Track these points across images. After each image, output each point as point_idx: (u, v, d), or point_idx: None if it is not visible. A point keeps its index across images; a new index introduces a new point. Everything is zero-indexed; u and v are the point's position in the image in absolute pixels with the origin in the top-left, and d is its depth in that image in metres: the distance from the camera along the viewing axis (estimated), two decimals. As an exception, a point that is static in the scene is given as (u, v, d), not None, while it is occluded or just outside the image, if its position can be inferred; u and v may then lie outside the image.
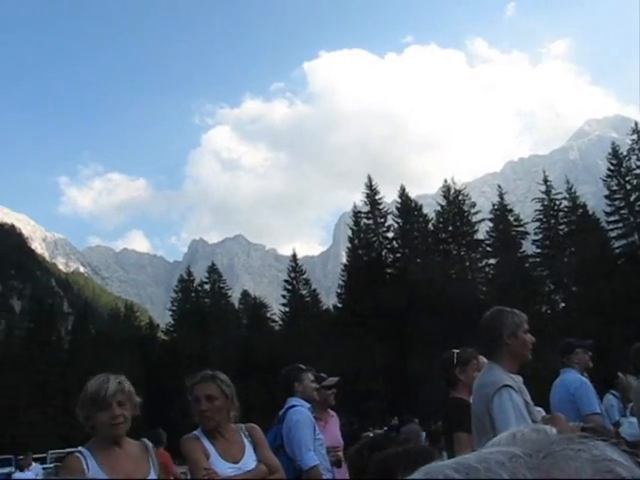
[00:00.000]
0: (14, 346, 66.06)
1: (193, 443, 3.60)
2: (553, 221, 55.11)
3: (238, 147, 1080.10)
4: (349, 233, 62.45)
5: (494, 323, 3.71)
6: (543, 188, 56.09)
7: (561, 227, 55.06)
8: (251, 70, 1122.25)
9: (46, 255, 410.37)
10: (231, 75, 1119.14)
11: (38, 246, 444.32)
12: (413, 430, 15.32)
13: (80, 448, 3.06)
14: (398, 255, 59.42)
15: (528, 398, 3.64)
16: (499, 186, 61.17)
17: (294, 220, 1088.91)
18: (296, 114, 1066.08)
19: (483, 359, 4.30)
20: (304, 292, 62.58)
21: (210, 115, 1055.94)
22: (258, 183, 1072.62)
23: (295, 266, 63.12)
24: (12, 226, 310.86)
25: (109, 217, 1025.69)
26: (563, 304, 53.71)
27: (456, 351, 4.70)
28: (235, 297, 72.52)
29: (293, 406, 5.04)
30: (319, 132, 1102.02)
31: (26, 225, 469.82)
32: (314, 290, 64.19)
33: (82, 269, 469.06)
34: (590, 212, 55.61)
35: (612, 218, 53.51)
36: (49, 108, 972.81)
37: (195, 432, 3.68)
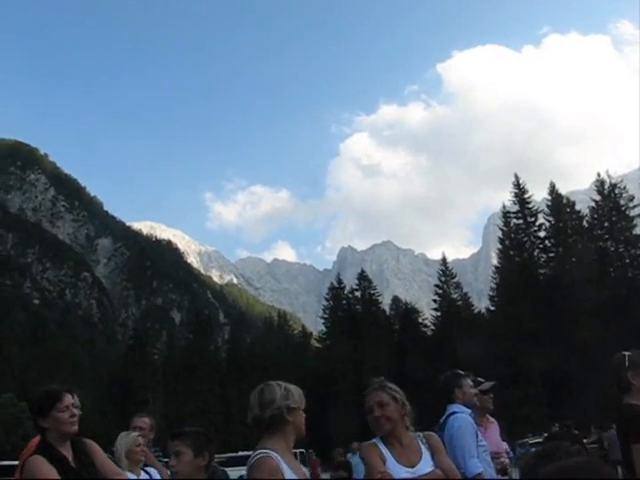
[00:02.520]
0: (176, 356, 70.90)
1: (371, 448, 3.79)
2: None
3: (377, 153, 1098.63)
4: (499, 234, 62.95)
5: None
6: None
7: None
8: (383, 76, 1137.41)
9: (201, 268, 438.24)
10: (364, 82, 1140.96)
11: (193, 260, 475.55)
12: (613, 438, 13.83)
13: (266, 450, 3.09)
14: (551, 255, 59.27)
15: None
16: None
17: (440, 223, 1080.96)
18: (433, 116, 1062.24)
19: None
20: (455, 296, 63.87)
21: (347, 124, 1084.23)
22: (400, 187, 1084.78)
23: (445, 270, 64.59)
24: (169, 242, 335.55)
25: (255, 229, 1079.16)
26: None
27: (627, 353, 4.38)
28: (386, 303, 74.19)
29: (454, 412, 5.04)
30: (459, 132, 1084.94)
31: (181, 240, 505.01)
32: (465, 293, 65.35)
33: (235, 280, 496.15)
34: None
35: None
36: (191, 129, 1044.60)
37: (374, 439, 3.86)
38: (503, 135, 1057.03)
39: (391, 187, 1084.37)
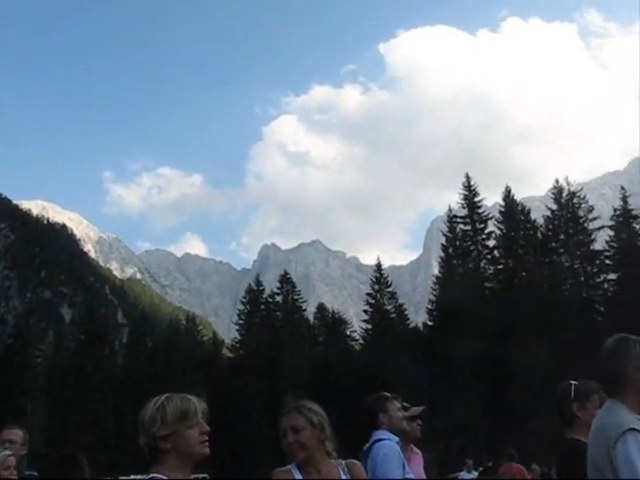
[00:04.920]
0: (63, 359, 69.07)
1: (283, 476, 3.76)
2: None
3: (306, 139, 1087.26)
4: (442, 240, 63.69)
5: (618, 353, 3.57)
6: None
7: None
8: (317, 52, 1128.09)
9: (100, 259, 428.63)
10: (295, 58, 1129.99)
11: (91, 249, 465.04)
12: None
13: (154, 476, 2.97)
14: (500, 267, 60.05)
15: None
16: (622, 187, 60.75)
17: (377, 223, 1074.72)
18: (372, 101, 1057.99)
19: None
20: (389, 307, 63.89)
21: (273, 104, 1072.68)
22: (332, 180, 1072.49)
23: (379, 277, 64.65)
24: (63, 226, 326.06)
25: (160, 218, 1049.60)
26: None
27: (574, 383, 4.59)
28: (310, 311, 74.26)
29: (380, 439, 5.12)
30: (401, 121, 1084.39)
31: (78, 225, 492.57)
32: (401, 305, 65.32)
33: (139, 275, 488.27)
34: None
35: None
36: (91, 96, 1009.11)
37: (289, 465, 3.81)
38: (451, 128, 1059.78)
39: (321, 179, 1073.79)
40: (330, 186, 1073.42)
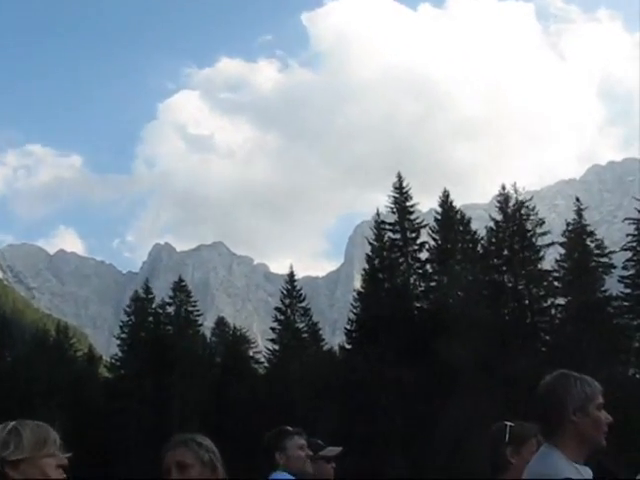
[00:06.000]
0: None
1: None
2: None
3: (210, 121, 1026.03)
4: (367, 250, 62.59)
5: (557, 392, 3.62)
6: None
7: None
8: (228, 18, 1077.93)
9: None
10: (199, 24, 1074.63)
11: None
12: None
13: None
14: (432, 284, 59.10)
15: None
16: (577, 199, 59.40)
17: (291, 225, 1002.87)
18: (292, 81, 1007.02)
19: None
20: (301, 325, 62.93)
21: (171, 77, 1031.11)
22: (239, 172, 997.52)
23: (291, 289, 63.58)
24: None
25: (27, 205, 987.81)
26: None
27: (509, 424, 4.63)
28: (208, 326, 73.22)
29: None
30: (324, 106, 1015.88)
31: None
32: (315, 324, 64.46)
33: (0, 274, 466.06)
34: None
35: None
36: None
37: None
38: (383, 117, 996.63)
39: (226, 169, 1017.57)
40: (237, 178, 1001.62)
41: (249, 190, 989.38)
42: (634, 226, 55.12)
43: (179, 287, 67.53)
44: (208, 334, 70.63)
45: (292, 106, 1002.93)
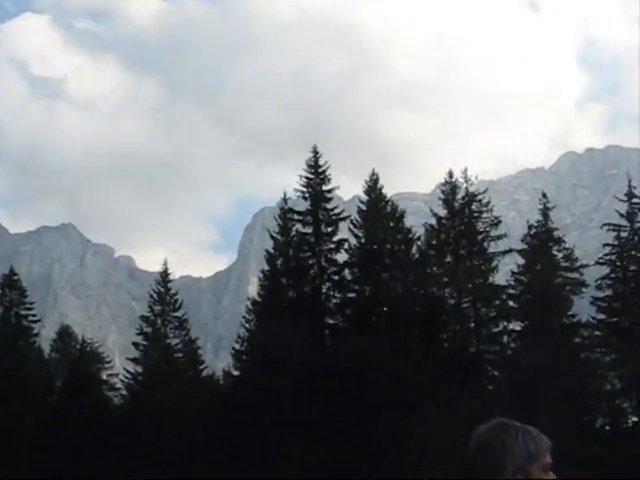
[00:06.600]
0: None
1: None
2: (634, 268, 51.81)
3: (63, 59, 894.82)
4: (269, 245, 58.40)
5: (494, 448, 3.21)
6: (625, 207, 53.00)
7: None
8: None
9: None
10: None
11: None
12: None
13: None
14: (351, 295, 55.41)
15: None
16: (544, 195, 55.77)
17: (167, 207, 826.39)
18: (179, 14, 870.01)
19: None
20: (175, 342, 58.93)
21: None
22: (100, 129, 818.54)
23: (164, 292, 59.82)
24: None
25: None
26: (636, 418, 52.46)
27: None
28: (46, 336, 67.50)
29: None
30: (221, 53, 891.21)
31: None
32: (194, 340, 60.00)
33: None
34: None
35: None
36: None
37: None
38: (296, 73, 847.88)
39: (82, 126, 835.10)
40: (97, 139, 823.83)
41: (113, 156, 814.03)
42: (614, 234, 52.86)
43: (9, 282, 61.71)
44: (46, 347, 65.22)
45: (178, 48, 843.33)
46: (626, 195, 54.57)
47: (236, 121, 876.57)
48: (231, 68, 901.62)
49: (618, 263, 52.71)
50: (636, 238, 52.95)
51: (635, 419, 51.54)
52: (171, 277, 61.37)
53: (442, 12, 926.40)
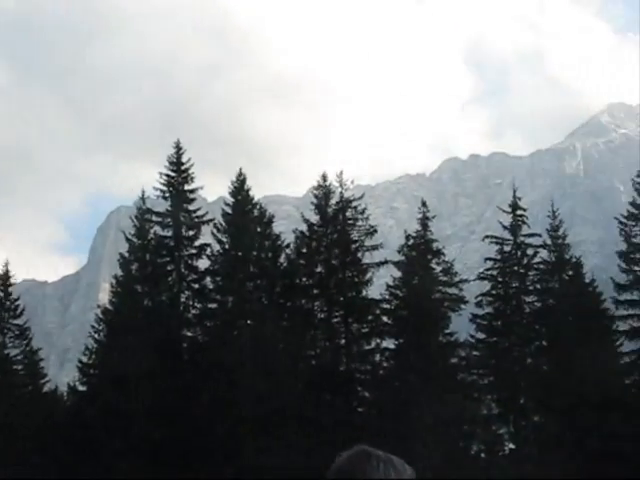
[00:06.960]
0: None
1: None
2: (516, 285, 52.13)
3: None
4: (124, 249, 56.58)
5: (353, 476, 3.06)
6: (509, 219, 53.09)
7: (530, 299, 53.02)
8: None
9: None
10: None
11: None
12: None
13: None
14: (212, 306, 54.24)
15: None
16: (424, 204, 54.64)
17: (10, 202, 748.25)
18: None
19: None
20: (14, 352, 56.19)
21: None
22: None
23: (3, 298, 56.29)
24: None
25: None
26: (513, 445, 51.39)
27: None
28: None
29: None
30: (77, 35, 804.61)
31: None
32: (36, 351, 56.70)
33: None
34: (590, 275, 54.52)
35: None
36: None
37: None
38: (161, 60, 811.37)
39: None
40: None
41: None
42: (496, 247, 52.62)
43: None
44: None
45: (24, 25, 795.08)
46: (510, 206, 54.53)
47: (91, 110, 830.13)
48: (88, 50, 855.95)
49: (500, 279, 52.71)
50: (519, 253, 53.25)
51: (512, 446, 51.20)
52: (12, 280, 58.23)
53: (320, 6, 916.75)
